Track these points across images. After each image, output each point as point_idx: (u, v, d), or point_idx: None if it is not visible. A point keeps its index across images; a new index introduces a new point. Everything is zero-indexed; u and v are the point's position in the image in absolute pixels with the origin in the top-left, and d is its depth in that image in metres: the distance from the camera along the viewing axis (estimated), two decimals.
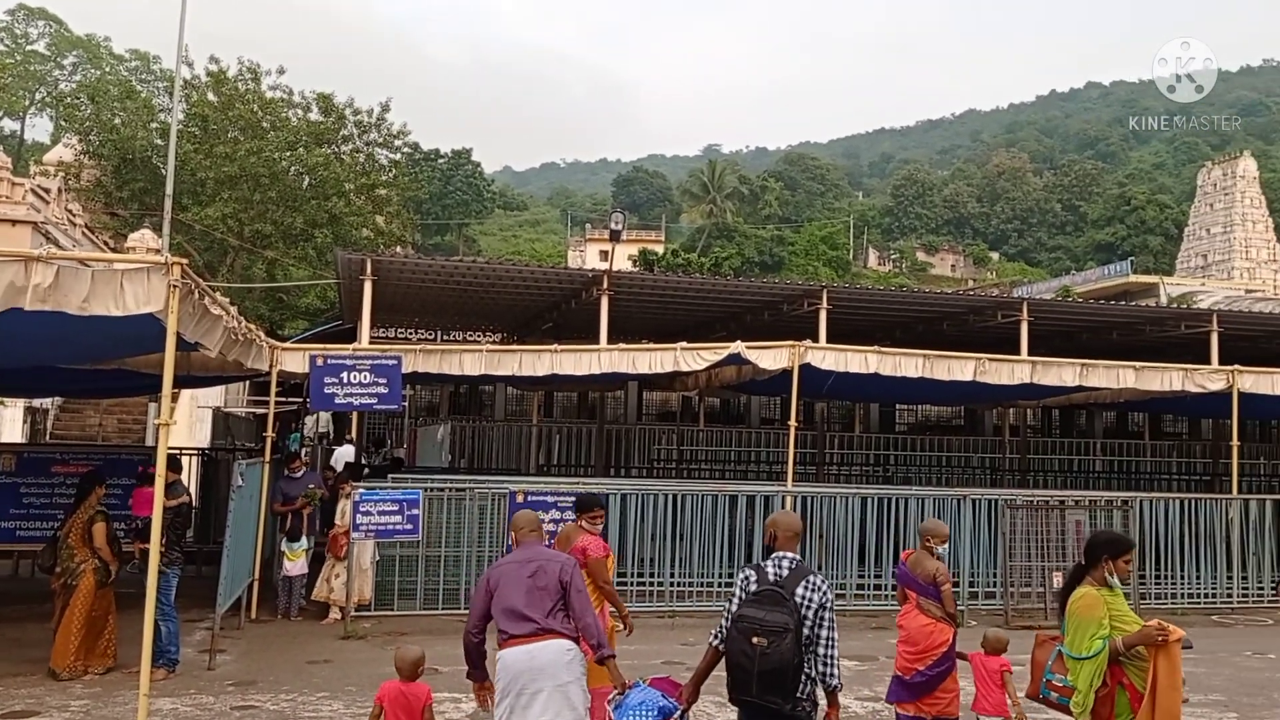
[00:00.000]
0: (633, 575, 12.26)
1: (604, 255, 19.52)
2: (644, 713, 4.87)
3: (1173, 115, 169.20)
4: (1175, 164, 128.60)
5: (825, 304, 16.65)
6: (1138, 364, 14.02)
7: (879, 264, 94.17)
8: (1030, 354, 15.66)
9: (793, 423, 12.71)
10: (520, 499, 11.11)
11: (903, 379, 13.04)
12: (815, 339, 14.81)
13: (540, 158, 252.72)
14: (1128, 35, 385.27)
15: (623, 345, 13.23)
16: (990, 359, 13.15)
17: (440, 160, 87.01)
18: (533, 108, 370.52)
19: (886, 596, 12.65)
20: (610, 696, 5.07)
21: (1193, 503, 13.91)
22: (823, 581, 4.71)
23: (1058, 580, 11.64)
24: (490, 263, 18.49)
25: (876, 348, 13.17)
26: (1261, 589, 13.54)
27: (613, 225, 19.44)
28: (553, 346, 12.35)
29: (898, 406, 27.21)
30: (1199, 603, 13.18)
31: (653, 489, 12.67)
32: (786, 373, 12.39)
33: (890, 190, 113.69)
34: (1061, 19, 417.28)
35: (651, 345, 13.96)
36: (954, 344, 17.26)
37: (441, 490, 12.11)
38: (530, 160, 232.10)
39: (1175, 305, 35.72)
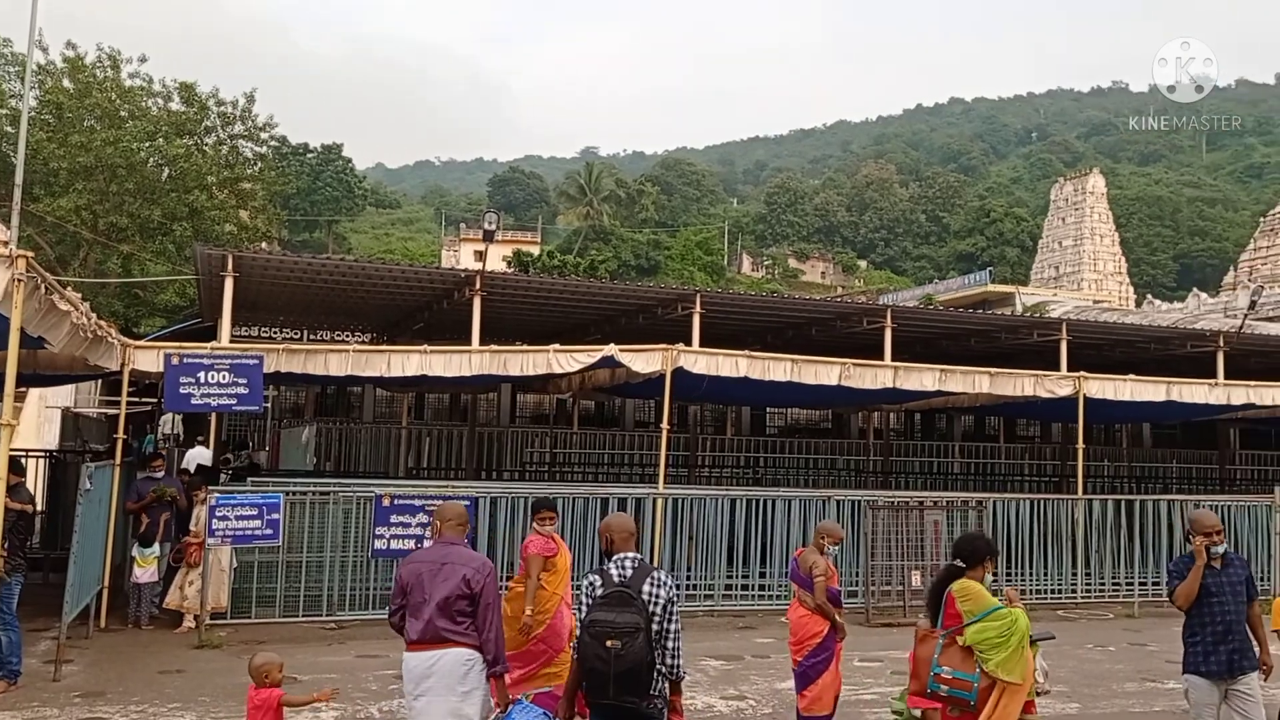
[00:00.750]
0: (502, 580, 12.12)
1: (478, 256, 19.30)
2: None
3: (1030, 132, 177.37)
4: (1031, 179, 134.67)
5: (699, 308, 16.79)
6: (993, 370, 14.60)
7: (753, 270, 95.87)
8: (894, 359, 16.12)
9: (665, 425, 12.80)
10: (386, 503, 10.88)
11: (772, 383, 13.31)
12: (689, 343, 14.94)
13: (414, 155, 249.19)
14: (989, 54, 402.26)
15: (495, 347, 13.09)
16: (855, 364, 13.52)
17: (310, 155, 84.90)
18: (407, 105, 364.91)
19: (754, 596, 12.87)
20: (492, 716, 5.00)
21: (1042, 503, 14.55)
22: (667, 577, 4.77)
23: (916, 579, 12.04)
24: (359, 261, 18.07)
25: (747, 352, 13.37)
26: (1103, 584, 14.23)
27: (486, 225, 19.21)
28: (422, 347, 12.15)
29: (769, 410, 27.73)
30: (1046, 598, 13.78)
31: (523, 492, 12.57)
32: (660, 376, 12.48)
33: (764, 197, 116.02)
34: (928, 36, 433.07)
35: (524, 347, 13.86)
36: (822, 349, 17.63)
37: (304, 494, 11.77)
38: (404, 158, 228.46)
39: (1030, 314, 37.31)
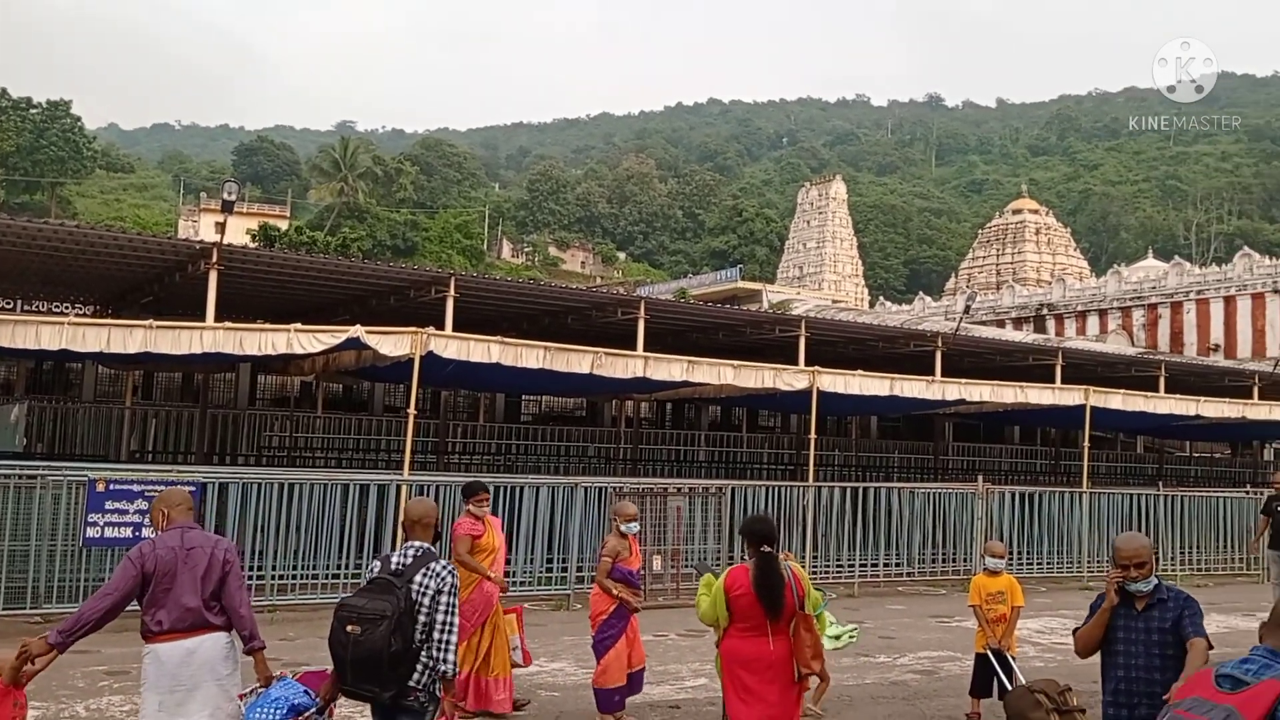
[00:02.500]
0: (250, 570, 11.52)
1: (219, 227, 18.13)
2: (275, 709, 4.70)
3: (781, 137, 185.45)
4: (781, 182, 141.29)
5: (453, 292, 16.51)
6: (737, 363, 15.22)
7: (513, 256, 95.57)
8: (647, 350, 16.46)
9: (412, 410, 12.53)
10: (101, 488, 10.08)
11: (525, 369, 13.28)
12: (443, 327, 14.68)
13: (152, 117, 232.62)
14: (747, 60, 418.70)
15: (229, 324, 12.35)
16: (607, 353, 13.73)
17: (33, 110, 77.53)
18: (145, 62, 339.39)
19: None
20: (250, 689, 4.83)
21: (778, 489, 15.29)
22: (445, 568, 4.68)
23: (657, 563, 12.37)
24: (82, 227, 16.61)
25: (500, 338, 13.28)
26: (829, 566, 15.13)
27: (225, 195, 18.12)
28: (148, 322, 11.30)
29: (523, 397, 27.73)
30: None
31: (258, 477, 11.97)
32: (409, 359, 12.19)
33: (526, 184, 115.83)
34: (691, 37, 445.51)
35: (262, 325, 13.17)
36: (578, 338, 17.80)
37: (6, 478, 10.72)
38: (140, 119, 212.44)
39: (775, 311, 39.14)
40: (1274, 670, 2.99)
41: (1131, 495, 18.48)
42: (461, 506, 12.53)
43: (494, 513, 12.52)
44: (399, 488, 12.17)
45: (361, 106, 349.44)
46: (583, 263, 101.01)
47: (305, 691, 4.79)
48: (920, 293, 78.54)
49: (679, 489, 13.83)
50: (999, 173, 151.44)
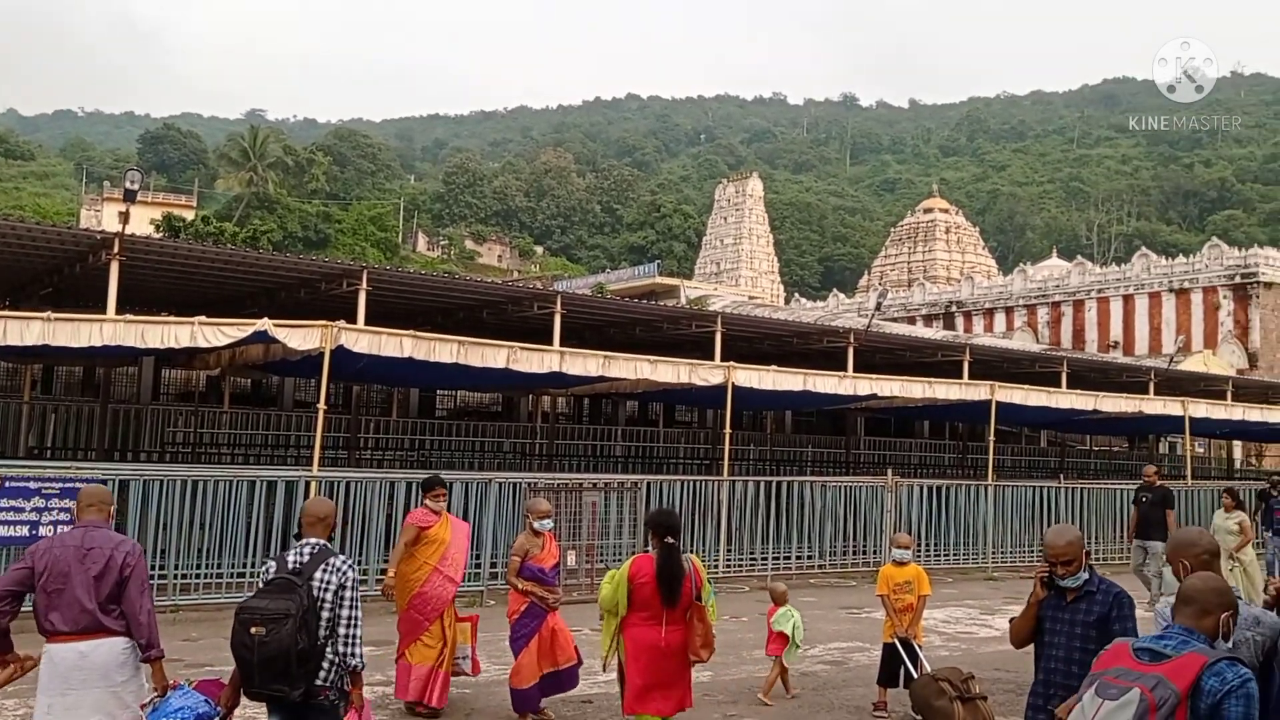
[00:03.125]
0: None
1: (122, 217, 17.61)
2: (185, 714, 4.63)
3: (699, 134, 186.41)
4: (699, 178, 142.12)
5: (365, 285, 16.25)
6: (653, 358, 15.26)
7: (429, 249, 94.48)
8: (564, 345, 16.41)
9: (321, 405, 12.31)
10: None
11: (439, 364, 13.14)
12: (355, 321, 14.44)
13: (54, 104, 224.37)
14: (669, 55, 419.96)
15: (131, 317, 11.98)
16: (522, 348, 13.65)
17: None
18: (45, 46, 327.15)
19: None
20: (147, 700, 4.74)
21: (693, 483, 15.40)
22: (344, 563, 4.68)
23: (571, 558, 12.35)
24: None
25: (413, 332, 13.12)
26: (741, 559, 15.29)
27: (128, 184, 17.61)
28: (45, 314, 10.91)
29: (438, 391, 27.44)
30: None
31: (160, 474, 11.65)
32: (319, 354, 11.97)
33: (442, 177, 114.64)
34: (609, 31, 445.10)
35: (166, 318, 12.81)
36: (494, 332, 17.66)
37: None
38: (41, 105, 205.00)
39: (692, 306, 39.38)
40: (1192, 645, 3.21)
41: (1034, 488, 19.03)
42: (373, 501, 12.45)
43: (407, 508, 12.47)
44: (308, 484, 11.95)
45: (272, 95, 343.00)
46: (500, 256, 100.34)
47: (206, 700, 4.72)
48: (834, 289, 79.73)
49: (594, 484, 13.83)
50: (911, 172, 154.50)
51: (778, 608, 8.43)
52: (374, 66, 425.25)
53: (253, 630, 4.39)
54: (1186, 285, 48.98)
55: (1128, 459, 33.69)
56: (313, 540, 4.74)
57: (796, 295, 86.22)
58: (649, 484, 14.50)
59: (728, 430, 16.53)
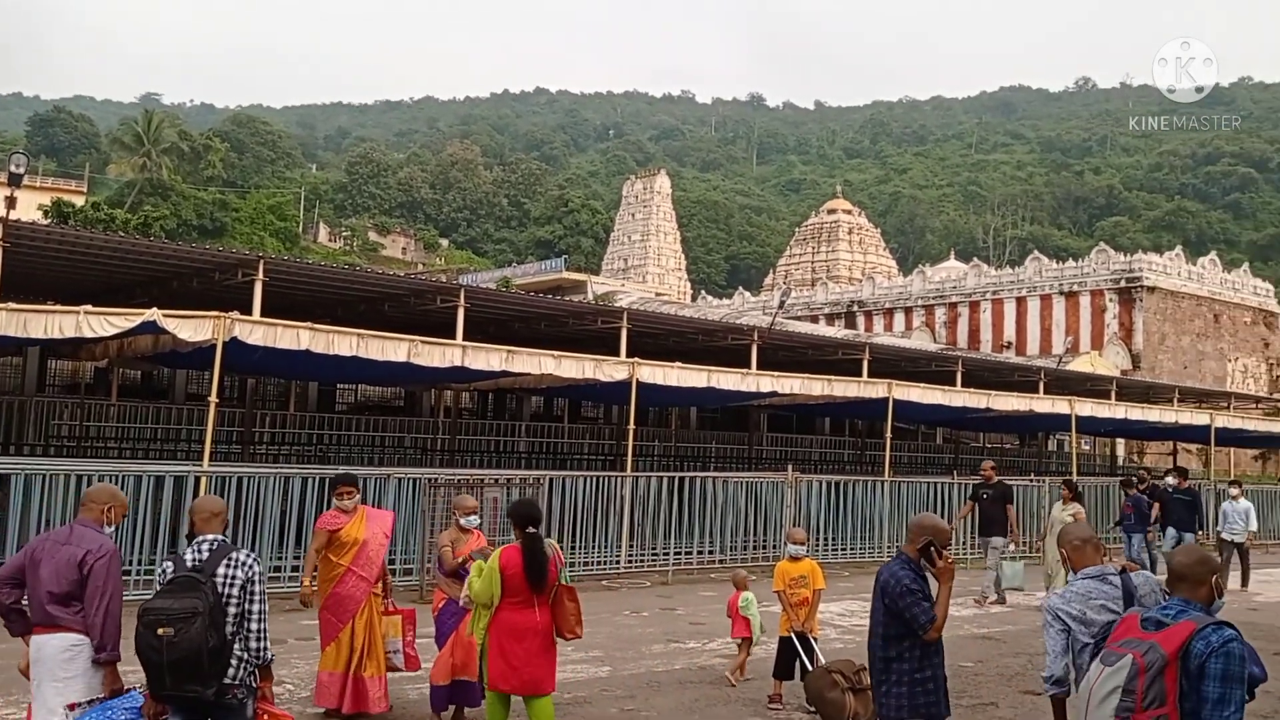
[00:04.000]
0: None
1: (9, 202, 16.87)
2: None
3: (608, 129, 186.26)
4: (607, 174, 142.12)
5: (262, 275, 15.83)
6: (557, 353, 15.20)
7: (330, 240, 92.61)
8: (467, 339, 16.24)
9: (213, 399, 11.96)
10: None
11: (337, 357, 12.88)
12: (250, 312, 14.06)
13: None
14: (578, 49, 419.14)
15: (13, 305, 11.46)
16: (423, 341, 13.46)
17: None
18: None
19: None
20: (88, 699, 4.74)
21: (596, 479, 15.38)
22: (248, 557, 4.65)
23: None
24: None
25: (310, 324, 12.81)
26: (644, 554, 15.33)
27: (14, 168, 16.90)
28: None
29: (339, 386, 26.93)
30: (593, 569, 14.59)
31: (43, 468, 11.19)
32: (212, 345, 11.63)
33: (345, 166, 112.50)
34: (517, 23, 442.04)
35: (50, 307, 12.30)
36: (396, 326, 17.40)
37: None
38: None
39: (599, 302, 39.32)
40: (1188, 614, 3.61)
41: (930, 484, 19.49)
42: (267, 497, 12.14)
43: (303, 504, 12.21)
44: (198, 480, 11.60)
45: (168, 79, 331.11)
46: (404, 249, 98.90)
47: (137, 708, 4.62)
48: (740, 287, 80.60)
49: (496, 480, 13.73)
50: (816, 173, 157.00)
51: (740, 593, 8.70)
52: (275, 52, 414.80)
53: (160, 631, 4.31)
54: (1075, 288, 50.76)
55: (1018, 455, 34.79)
56: (210, 536, 4.68)
57: (703, 292, 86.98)
58: (551, 480, 14.44)
59: (632, 426, 16.57)
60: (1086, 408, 23.32)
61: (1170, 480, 17.68)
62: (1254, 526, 16.81)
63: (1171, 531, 16.82)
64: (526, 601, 5.74)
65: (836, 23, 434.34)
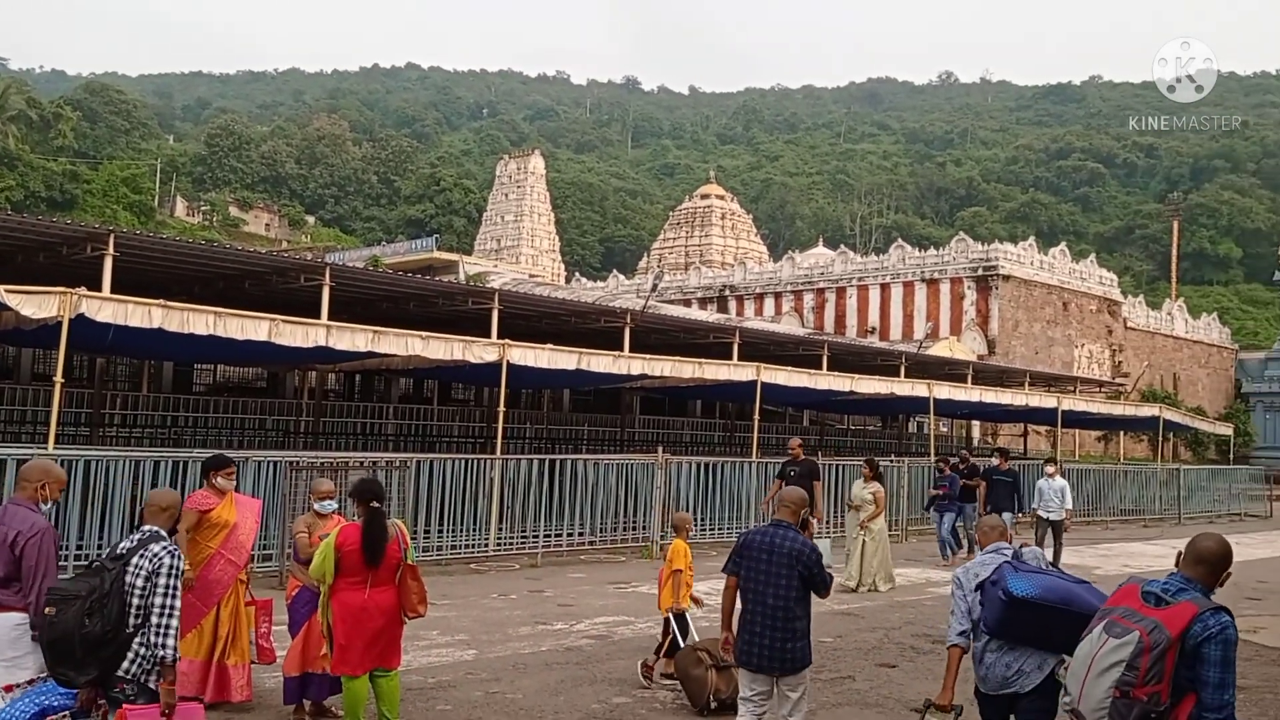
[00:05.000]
0: None
1: None
2: (23, 708, 4.58)
3: (481, 108, 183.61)
4: (481, 153, 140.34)
5: (112, 250, 15.12)
6: (425, 334, 14.96)
7: (188, 215, 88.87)
8: (334, 319, 15.82)
9: (58, 379, 11.40)
10: None
11: (193, 336, 12.40)
12: (100, 288, 13.40)
13: None
14: (450, 24, 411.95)
15: None
16: (285, 320, 13.08)
17: None
18: None
19: None
20: (27, 680, 4.77)
21: (465, 462, 15.21)
22: (162, 549, 4.54)
23: None
24: None
25: (163, 302, 12.29)
26: (513, 537, 15.26)
27: None
28: None
29: (196, 366, 25.98)
30: (461, 553, 14.45)
31: None
32: (57, 323, 11.04)
33: (205, 138, 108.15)
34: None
35: None
36: (258, 304, 16.84)
37: None
38: None
39: (472, 283, 38.78)
40: (1188, 594, 3.73)
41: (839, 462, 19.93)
42: (116, 481, 11.60)
43: (154, 487, 11.72)
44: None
45: (15, 43, 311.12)
46: (267, 225, 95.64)
47: (69, 694, 4.59)
48: (615, 270, 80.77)
49: (360, 463, 13.44)
50: (690, 158, 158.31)
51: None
52: (130, 17, 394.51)
53: (46, 610, 4.35)
54: (936, 276, 52.57)
55: (880, 437, 35.94)
56: (147, 527, 4.68)
57: (577, 275, 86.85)
58: (419, 462, 14.21)
59: (503, 408, 16.46)
60: (944, 391, 24.22)
61: (994, 461, 17.59)
62: (1069, 504, 16.53)
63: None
64: (362, 581, 5.76)
65: (711, 8, 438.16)
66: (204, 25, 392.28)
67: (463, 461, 15.16)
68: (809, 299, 57.67)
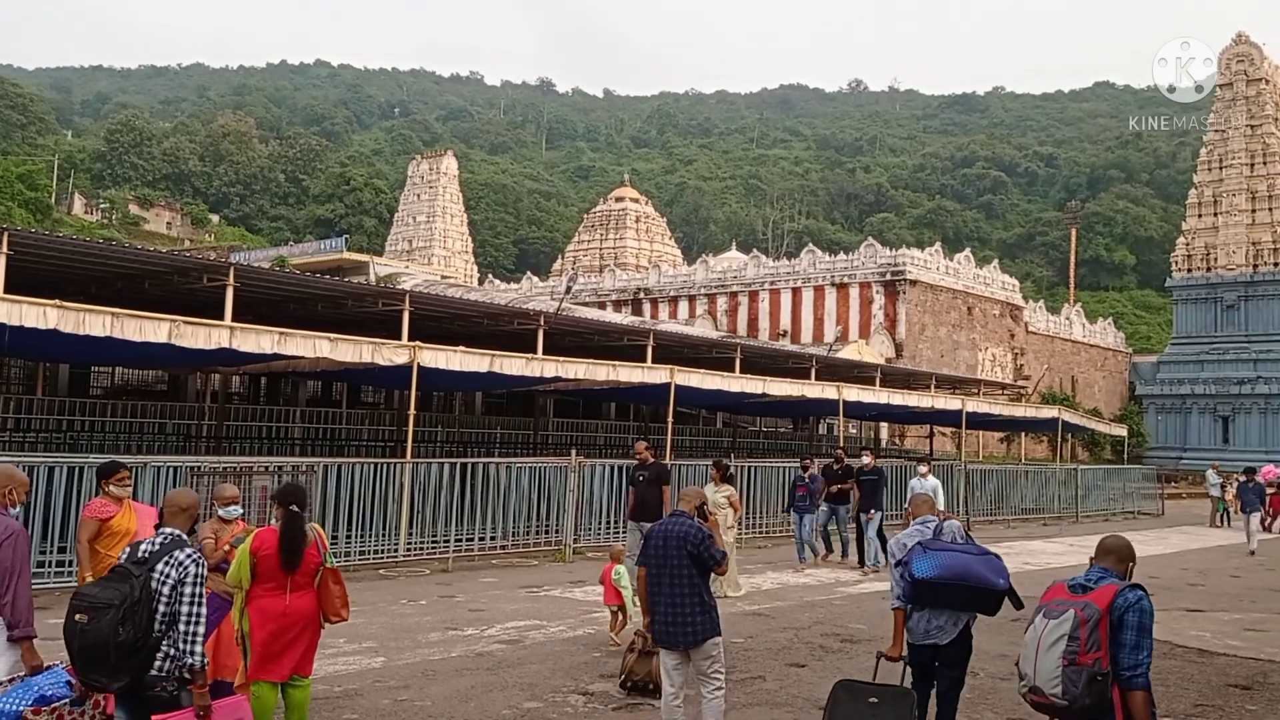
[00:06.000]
0: None
1: None
2: (20, 697, 4.71)
3: (393, 107, 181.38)
4: (392, 153, 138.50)
5: (6, 249, 14.54)
6: (333, 335, 14.66)
7: (87, 212, 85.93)
8: (238, 320, 15.43)
9: None
10: None
11: (90, 338, 11.99)
12: None
13: None
14: (361, 21, 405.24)
15: None
16: (186, 322, 12.72)
17: None
18: None
19: (51, 573, 11.53)
20: (19, 675, 4.90)
21: (375, 466, 14.97)
22: (188, 557, 4.53)
23: None
24: None
25: (59, 302, 11.86)
26: (424, 542, 15.06)
27: None
28: None
29: (94, 368, 25.14)
30: (370, 558, 14.21)
31: None
32: None
33: (105, 134, 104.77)
34: None
35: None
36: (158, 305, 16.35)
37: None
38: None
39: (383, 284, 38.17)
40: (1108, 580, 4.54)
41: (707, 465, 20.05)
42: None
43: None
44: None
45: None
46: (169, 224, 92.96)
47: (67, 683, 4.77)
48: (529, 272, 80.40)
49: (265, 467, 13.14)
50: (605, 160, 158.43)
51: (614, 565, 9.61)
52: (27, 8, 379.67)
53: (76, 617, 4.36)
54: (846, 280, 53.47)
55: (791, 439, 36.41)
56: (168, 530, 4.64)
57: (491, 276, 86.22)
58: (326, 467, 13.94)
59: (413, 411, 16.25)
60: (853, 393, 24.63)
61: (864, 460, 16.90)
62: (941, 505, 15.58)
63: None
64: (280, 586, 5.69)
65: (625, 12, 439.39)
66: (104, 18, 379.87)
67: (372, 466, 14.91)
68: (723, 302, 58.17)
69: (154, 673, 4.44)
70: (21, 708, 4.68)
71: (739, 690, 7.99)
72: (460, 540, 15.03)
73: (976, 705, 7.69)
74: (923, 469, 16.99)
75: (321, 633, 6.01)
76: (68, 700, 4.76)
